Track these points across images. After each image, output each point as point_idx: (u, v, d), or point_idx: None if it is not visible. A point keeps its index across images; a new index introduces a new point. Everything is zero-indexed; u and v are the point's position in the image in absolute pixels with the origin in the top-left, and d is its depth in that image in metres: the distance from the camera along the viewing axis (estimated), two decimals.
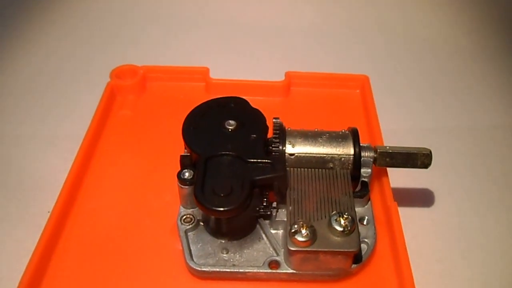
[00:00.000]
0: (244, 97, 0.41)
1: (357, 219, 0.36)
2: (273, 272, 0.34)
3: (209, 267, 0.34)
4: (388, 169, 0.41)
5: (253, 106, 0.40)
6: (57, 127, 0.52)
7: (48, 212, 0.37)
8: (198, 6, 0.73)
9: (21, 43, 0.65)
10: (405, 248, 0.35)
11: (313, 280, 0.35)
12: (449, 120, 0.55)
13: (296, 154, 0.38)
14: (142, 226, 0.38)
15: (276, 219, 0.36)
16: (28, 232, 0.40)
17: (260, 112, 0.39)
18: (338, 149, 0.38)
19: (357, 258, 0.34)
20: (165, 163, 0.40)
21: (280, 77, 0.51)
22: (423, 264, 0.40)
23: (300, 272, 0.34)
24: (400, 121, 0.54)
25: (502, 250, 0.42)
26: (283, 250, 0.35)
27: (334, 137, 0.38)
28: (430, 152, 0.38)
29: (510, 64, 0.64)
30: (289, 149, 0.38)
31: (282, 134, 0.38)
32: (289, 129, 0.39)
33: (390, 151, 0.38)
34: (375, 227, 0.37)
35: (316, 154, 0.38)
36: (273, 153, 0.37)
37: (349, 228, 0.33)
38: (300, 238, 0.32)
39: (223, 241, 0.36)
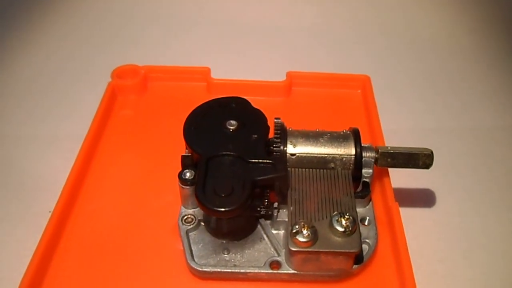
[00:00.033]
0: (245, 97, 0.41)
1: (358, 219, 0.36)
2: (274, 273, 0.34)
3: (210, 268, 0.34)
4: (390, 169, 0.41)
5: (254, 106, 0.40)
6: (58, 127, 0.52)
7: (49, 212, 0.37)
8: (200, 6, 0.73)
9: (22, 43, 0.65)
10: (407, 249, 0.35)
11: (314, 281, 0.35)
12: (450, 120, 0.55)
13: (297, 154, 0.38)
14: (143, 226, 0.38)
15: (277, 220, 0.36)
16: (29, 232, 0.40)
17: (261, 112, 0.39)
18: (339, 149, 0.38)
19: (358, 258, 0.34)
20: (166, 163, 0.40)
21: (281, 77, 0.51)
22: (424, 264, 0.40)
23: (301, 272, 0.34)
24: (401, 121, 0.54)
25: (504, 250, 0.42)
26: (284, 250, 0.35)
27: (336, 137, 0.38)
28: (432, 152, 0.38)
29: None
30: (290, 149, 0.38)
31: (283, 134, 0.38)
32: (290, 129, 0.39)
33: (392, 151, 0.38)
34: (376, 227, 0.37)
35: (317, 154, 0.38)
36: (274, 153, 0.37)
37: (350, 228, 0.33)
38: (301, 239, 0.32)
39: (224, 241, 0.36)
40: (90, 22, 0.70)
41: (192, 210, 0.37)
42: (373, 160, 0.38)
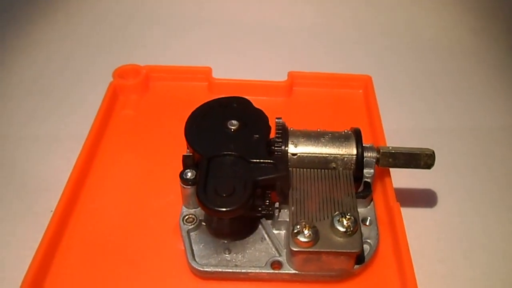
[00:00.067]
0: (246, 97, 0.41)
1: (360, 219, 0.36)
2: (276, 273, 0.34)
3: (211, 267, 0.34)
4: (391, 169, 0.41)
5: (256, 106, 0.40)
6: (59, 127, 0.52)
7: (51, 211, 0.37)
8: (201, 6, 0.73)
9: (23, 43, 0.65)
10: (408, 249, 0.35)
11: (316, 281, 0.35)
12: (452, 120, 0.55)
13: (298, 154, 0.38)
14: (144, 226, 0.38)
15: (279, 220, 0.36)
16: (31, 231, 0.40)
17: (263, 112, 0.39)
18: (340, 149, 0.38)
19: (360, 258, 0.34)
20: (168, 163, 0.40)
21: (283, 77, 0.51)
22: (425, 264, 0.40)
23: (303, 272, 0.34)
24: (403, 121, 0.54)
25: (504, 250, 0.42)
26: (285, 250, 0.35)
27: (337, 137, 0.38)
28: (433, 152, 0.38)
29: None
30: (291, 149, 0.38)
31: (284, 134, 0.38)
32: (291, 129, 0.39)
33: (393, 151, 0.38)
34: (377, 227, 0.37)
35: (318, 154, 0.38)
36: (276, 153, 0.37)
37: (351, 228, 0.33)
38: (302, 239, 0.32)
39: (225, 241, 0.36)
40: (91, 22, 0.70)
41: (193, 210, 0.37)
42: (374, 160, 0.38)
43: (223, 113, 0.39)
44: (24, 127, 0.52)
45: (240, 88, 0.48)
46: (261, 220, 0.37)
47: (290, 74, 0.51)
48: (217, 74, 0.51)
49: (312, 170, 0.38)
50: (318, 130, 0.39)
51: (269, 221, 0.37)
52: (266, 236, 0.36)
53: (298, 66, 0.53)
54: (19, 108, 0.55)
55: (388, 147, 0.39)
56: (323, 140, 0.38)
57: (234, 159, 0.35)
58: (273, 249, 0.36)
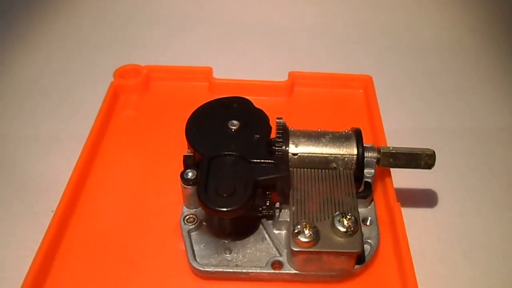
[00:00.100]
0: (247, 97, 0.41)
1: (360, 219, 0.36)
2: (276, 273, 0.34)
3: (212, 267, 0.34)
4: (391, 169, 0.41)
5: (256, 106, 0.40)
6: (60, 127, 0.52)
7: (52, 211, 0.37)
8: (202, 6, 0.73)
9: (23, 44, 0.65)
10: (408, 249, 0.35)
11: (316, 281, 0.35)
12: (452, 120, 0.55)
13: (299, 154, 0.38)
14: (145, 226, 0.38)
15: (279, 220, 0.36)
16: (31, 231, 0.40)
17: (263, 112, 0.39)
18: (341, 149, 0.38)
19: (360, 258, 0.34)
20: (168, 163, 0.40)
21: (284, 77, 0.51)
22: (426, 264, 0.40)
23: (303, 272, 0.34)
24: (403, 121, 0.54)
25: (505, 250, 0.42)
26: (286, 250, 0.35)
27: (338, 137, 0.38)
28: (434, 152, 0.38)
29: None
30: (292, 149, 0.38)
31: (285, 134, 0.38)
32: (292, 129, 0.39)
33: (394, 151, 0.38)
34: (378, 227, 0.37)
35: (319, 154, 0.38)
36: (276, 153, 0.37)
37: (352, 228, 0.33)
38: (303, 239, 0.32)
39: (226, 241, 0.36)
40: (92, 22, 0.70)
41: (194, 210, 0.37)
42: (375, 160, 0.38)
43: (223, 113, 0.39)
44: (25, 127, 0.52)
45: (241, 88, 0.48)
46: (261, 220, 0.37)
47: (291, 74, 0.51)
48: (217, 74, 0.51)
49: (312, 170, 0.38)
50: (319, 130, 0.39)
51: (270, 221, 0.37)
52: (266, 236, 0.36)
53: (299, 66, 0.53)
54: (20, 108, 0.55)
55: (389, 147, 0.39)
56: (324, 140, 0.38)
57: (235, 159, 0.35)
58: (274, 249, 0.36)
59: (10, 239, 0.41)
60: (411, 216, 0.42)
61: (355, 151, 0.38)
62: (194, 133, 0.37)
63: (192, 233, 0.36)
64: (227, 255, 0.35)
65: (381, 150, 0.38)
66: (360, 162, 0.38)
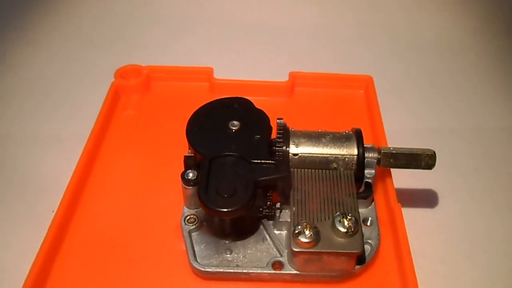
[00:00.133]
0: (248, 97, 0.41)
1: (361, 220, 0.36)
2: (277, 273, 0.34)
3: (212, 268, 0.34)
4: (392, 169, 0.41)
5: (257, 106, 0.40)
6: (61, 128, 0.52)
7: (53, 211, 0.37)
8: (203, 6, 0.73)
9: (24, 44, 0.65)
10: (409, 250, 0.35)
11: (317, 281, 0.35)
12: (453, 121, 0.55)
13: (300, 154, 0.38)
14: (146, 226, 0.38)
15: (280, 220, 0.36)
16: (32, 232, 0.40)
17: (264, 113, 0.39)
18: (341, 150, 0.38)
19: (361, 259, 0.35)
20: (169, 163, 0.40)
21: (284, 78, 0.51)
22: (426, 265, 0.40)
23: (304, 273, 0.34)
24: (404, 121, 0.54)
25: (506, 251, 0.42)
26: (286, 251, 0.35)
27: (338, 138, 0.38)
28: (434, 153, 0.38)
29: None
30: (292, 149, 0.38)
31: (285, 135, 0.38)
32: (292, 129, 0.39)
33: (394, 152, 0.38)
34: (378, 228, 0.37)
35: (319, 154, 0.38)
36: (277, 154, 0.37)
37: (352, 229, 0.33)
38: (303, 239, 0.33)
39: (226, 242, 0.36)
40: (93, 22, 0.70)
41: (195, 210, 0.37)
42: (375, 160, 0.38)
43: (224, 113, 0.39)
44: (26, 127, 0.52)
45: (241, 89, 0.48)
46: (262, 220, 0.37)
47: (291, 75, 0.51)
48: (218, 74, 0.51)
49: (313, 170, 0.38)
50: (319, 130, 0.39)
51: (270, 222, 0.37)
52: (267, 236, 0.36)
53: (299, 67, 0.53)
54: (21, 108, 0.55)
55: (389, 148, 0.39)
56: (324, 141, 0.38)
57: (236, 159, 0.35)
58: (274, 250, 0.36)
59: (11, 239, 0.41)
60: (411, 217, 0.41)
61: (355, 152, 0.38)
62: (194, 134, 0.37)
63: (192, 234, 0.36)
64: (228, 256, 0.35)
65: (382, 151, 0.38)
66: (360, 163, 0.38)
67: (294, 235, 0.33)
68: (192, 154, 0.37)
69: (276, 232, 0.37)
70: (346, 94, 0.51)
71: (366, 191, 0.38)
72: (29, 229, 0.42)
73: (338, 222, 0.33)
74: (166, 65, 0.52)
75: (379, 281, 0.35)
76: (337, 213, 0.34)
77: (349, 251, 0.33)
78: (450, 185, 0.47)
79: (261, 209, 0.36)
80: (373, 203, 0.39)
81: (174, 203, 0.38)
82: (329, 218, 0.34)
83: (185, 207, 0.38)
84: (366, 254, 0.35)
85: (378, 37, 0.69)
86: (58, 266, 0.35)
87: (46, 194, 0.44)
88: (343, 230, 0.33)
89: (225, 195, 0.32)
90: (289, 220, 0.35)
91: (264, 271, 0.34)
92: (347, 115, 0.49)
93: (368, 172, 0.38)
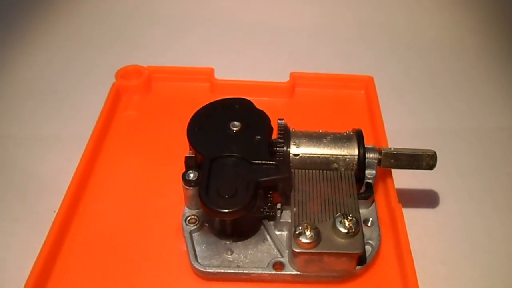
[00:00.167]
0: (248, 98, 0.41)
1: (362, 220, 0.36)
2: (278, 274, 0.34)
3: (213, 268, 0.34)
4: (393, 170, 0.41)
5: (258, 106, 0.40)
6: (62, 128, 0.52)
7: (54, 211, 0.37)
8: (203, 6, 0.73)
9: (25, 44, 0.65)
10: (410, 250, 0.35)
11: (317, 282, 0.35)
12: (454, 121, 0.55)
13: (300, 155, 0.38)
14: (146, 226, 0.38)
15: (281, 221, 0.36)
16: (33, 232, 0.40)
17: (265, 114, 0.39)
18: (342, 150, 0.38)
19: (362, 259, 0.35)
20: (170, 163, 0.40)
21: (285, 78, 0.51)
22: (427, 265, 0.40)
23: (305, 273, 0.34)
24: (404, 121, 0.54)
25: (506, 251, 0.42)
26: (287, 251, 0.35)
27: (339, 138, 0.38)
28: (435, 153, 0.38)
29: None
30: (293, 149, 0.38)
31: (286, 135, 0.38)
32: (293, 130, 0.39)
33: (395, 152, 0.38)
34: (379, 228, 0.37)
35: (320, 154, 0.38)
36: (278, 154, 0.37)
37: (353, 229, 0.33)
38: (304, 240, 0.33)
39: (227, 242, 0.36)
40: (94, 23, 0.70)
41: (196, 211, 0.37)
42: (376, 161, 0.38)
43: (225, 114, 0.39)
44: (26, 127, 0.52)
45: (242, 89, 0.49)
46: (263, 221, 0.37)
47: (292, 75, 0.51)
48: (219, 74, 0.51)
49: (314, 171, 0.38)
50: (320, 131, 0.39)
51: (271, 222, 0.37)
52: (268, 237, 0.36)
53: (300, 67, 0.53)
54: (21, 108, 0.55)
55: (390, 148, 0.39)
56: (325, 141, 0.38)
57: (236, 160, 0.35)
58: (275, 250, 0.36)
59: (12, 239, 0.41)
60: (412, 217, 0.41)
61: (356, 152, 0.38)
62: (195, 134, 0.37)
63: (193, 234, 0.36)
64: (229, 256, 0.35)
65: (382, 151, 0.38)
66: (361, 163, 0.38)
67: (295, 236, 0.33)
68: (193, 155, 0.37)
69: (277, 232, 0.37)
70: (347, 95, 0.51)
71: (366, 192, 0.38)
72: (30, 229, 0.42)
73: (339, 223, 0.33)
74: (167, 66, 0.52)
75: (380, 282, 0.35)
76: (338, 214, 0.34)
77: (350, 252, 0.33)
78: (451, 186, 0.47)
79: (262, 209, 0.36)
80: (373, 203, 0.39)
81: (175, 203, 0.38)
82: (330, 218, 0.34)
83: (186, 208, 0.38)
84: (367, 254, 0.35)
85: (378, 37, 0.69)
86: (60, 267, 0.35)
87: (46, 194, 0.44)
88: (344, 230, 0.33)
89: (226, 196, 0.33)
90: (290, 220, 0.35)
91: (265, 272, 0.34)
92: (348, 115, 0.49)
93: (369, 172, 0.38)
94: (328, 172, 0.38)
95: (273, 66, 0.61)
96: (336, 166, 0.38)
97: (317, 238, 0.33)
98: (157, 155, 0.44)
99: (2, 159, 0.49)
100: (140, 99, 0.50)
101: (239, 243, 0.36)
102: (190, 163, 0.37)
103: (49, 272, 0.35)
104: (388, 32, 0.70)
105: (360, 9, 0.73)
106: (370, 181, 0.38)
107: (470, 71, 0.63)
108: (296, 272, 0.34)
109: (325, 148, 0.38)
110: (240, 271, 0.34)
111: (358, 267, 0.34)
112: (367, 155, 0.38)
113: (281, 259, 0.35)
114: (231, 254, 0.35)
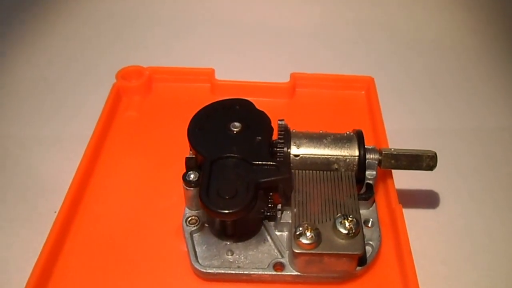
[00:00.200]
0: (249, 98, 0.41)
1: (362, 221, 0.36)
2: (278, 274, 0.34)
3: (214, 269, 0.34)
4: (393, 170, 0.41)
5: (258, 107, 0.40)
6: (63, 128, 0.52)
7: (55, 212, 0.37)
8: (204, 7, 0.73)
9: (26, 44, 0.65)
10: (410, 251, 0.35)
11: (318, 282, 0.35)
12: (454, 121, 0.55)
13: (301, 155, 0.38)
14: (147, 227, 0.38)
15: (281, 221, 0.36)
16: (34, 232, 0.40)
17: (265, 114, 0.39)
18: (343, 151, 0.38)
19: (362, 260, 0.35)
20: (171, 164, 0.41)
21: (285, 79, 0.51)
22: (427, 266, 0.40)
23: (305, 274, 0.34)
24: (405, 122, 0.54)
25: (507, 251, 0.42)
26: (287, 252, 0.35)
27: (339, 139, 0.38)
28: (435, 154, 0.38)
29: None
30: (294, 150, 0.38)
31: (287, 136, 0.38)
32: (294, 130, 0.39)
33: (395, 153, 0.38)
34: (379, 229, 0.37)
35: (321, 155, 0.38)
36: (278, 155, 0.37)
37: (353, 230, 0.33)
38: (304, 241, 0.33)
39: (228, 243, 0.36)
40: (94, 23, 0.70)
41: (196, 211, 0.37)
42: (376, 162, 0.38)
43: (226, 115, 0.39)
44: (27, 128, 0.52)
45: (243, 90, 0.49)
46: (263, 221, 0.37)
47: (293, 76, 0.51)
48: (219, 75, 0.51)
49: (314, 172, 0.38)
50: (321, 131, 0.39)
51: (272, 223, 0.37)
52: (268, 237, 0.36)
53: (300, 68, 0.53)
54: (22, 109, 0.55)
55: (390, 149, 0.39)
56: (326, 142, 0.38)
57: (237, 161, 0.35)
58: (276, 251, 0.36)
59: (13, 239, 0.41)
60: (412, 217, 0.41)
61: (356, 153, 0.38)
62: (196, 135, 0.37)
63: (194, 235, 0.36)
64: (229, 257, 0.35)
65: (383, 152, 0.38)
66: (361, 164, 0.38)
67: (295, 237, 0.33)
68: (194, 156, 0.37)
69: (277, 233, 0.37)
70: (347, 95, 0.51)
71: (367, 192, 0.38)
72: (31, 229, 0.42)
73: (339, 224, 0.33)
74: (168, 66, 0.52)
75: (380, 282, 0.35)
76: (338, 215, 0.34)
77: (350, 253, 0.33)
78: (451, 186, 0.47)
79: (262, 210, 0.36)
80: (374, 204, 0.39)
81: (176, 204, 0.38)
82: (330, 219, 0.34)
83: (186, 208, 0.38)
84: (367, 255, 0.35)
85: (378, 38, 0.69)
86: (60, 267, 0.35)
87: (47, 195, 0.44)
88: (344, 231, 0.33)
89: (226, 197, 0.33)
90: (290, 221, 0.35)
91: (265, 272, 0.34)
92: (348, 116, 0.49)
93: (369, 173, 0.38)
94: (328, 172, 0.38)
95: (273, 66, 0.61)
96: (336, 167, 0.38)
97: (318, 239, 0.33)
98: (157, 156, 0.44)
99: (2, 159, 0.49)
100: (140, 99, 0.50)
101: (240, 243, 0.36)
102: (190, 164, 0.37)
103: (50, 272, 0.35)
104: (388, 32, 0.70)
105: (360, 9, 0.73)
106: (371, 181, 0.38)
107: (470, 71, 0.63)
108: (296, 273, 0.34)
109: (326, 149, 0.38)
110: (240, 272, 0.34)
111: (358, 268, 0.34)
112: (367, 156, 0.38)
113: (282, 260, 0.35)
114: (232, 255, 0.35)
